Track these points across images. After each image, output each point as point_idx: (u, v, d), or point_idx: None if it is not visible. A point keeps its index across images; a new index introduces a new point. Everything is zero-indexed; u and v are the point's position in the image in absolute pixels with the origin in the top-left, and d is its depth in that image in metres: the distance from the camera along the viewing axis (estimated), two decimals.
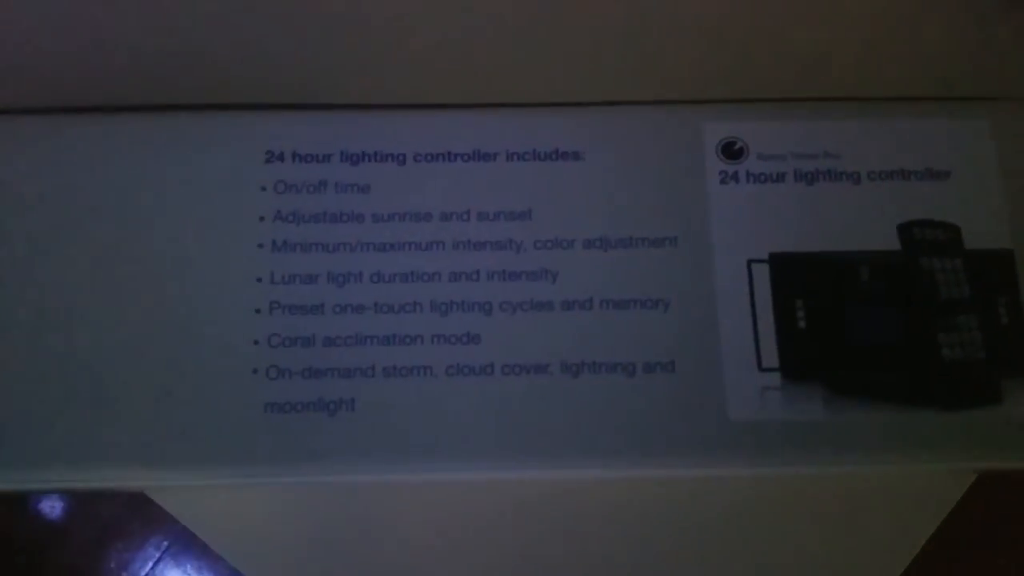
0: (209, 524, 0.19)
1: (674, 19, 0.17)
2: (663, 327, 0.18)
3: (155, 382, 0.17)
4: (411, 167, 0.19)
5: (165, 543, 0.51)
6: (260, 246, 0.18)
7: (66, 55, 0.18)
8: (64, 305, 0.18)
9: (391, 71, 0.18)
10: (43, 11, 0.17)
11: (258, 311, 0.18)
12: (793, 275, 0.18)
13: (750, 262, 0.18)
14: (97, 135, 0.18)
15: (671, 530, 0.20)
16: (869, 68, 0.19)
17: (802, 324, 0.18)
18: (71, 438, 0.17)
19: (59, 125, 0.18)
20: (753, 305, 0.18)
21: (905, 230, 0.18)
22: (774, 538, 0.20)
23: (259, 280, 0.18)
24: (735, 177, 0.19)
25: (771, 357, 0.18)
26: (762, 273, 0.18)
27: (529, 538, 0.20)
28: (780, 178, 0.19)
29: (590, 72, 0.18)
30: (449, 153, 0.19)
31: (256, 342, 0.18)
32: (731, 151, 0.19)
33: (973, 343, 0.18)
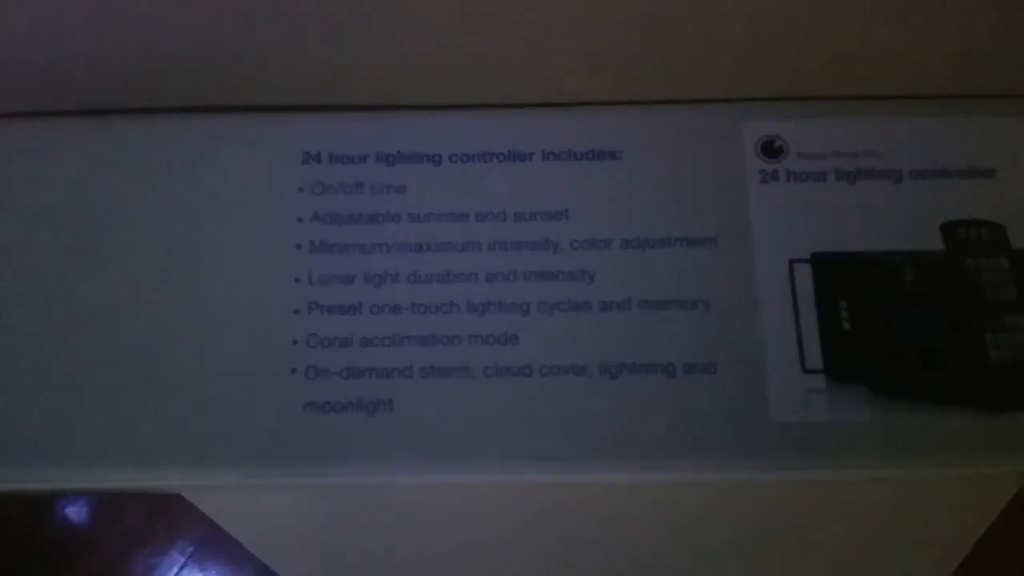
0: (245, 524, 0.19)
1: (712, 16, 0.17)
2: (703, 328, 0.18)
3: (194, 382, 0.17)
4: (447, 167, 0.19)
5: (190, 548, 0.51)
6: (298, 247, 0.18)
7: (103, 58, 0.18)
8: (104, 306, 0.18)
9: (427, 71, 0.18)
10: (79, 15, 0.17)
11: (297, 311, 0.18)
12: (837, 275, 0.18)
13: (792, 262, 0.18)
14: (135, 137, 0.19)
15: (711, 535, 0.19)
16: (910, 65, 0.19)
17: (846, 325, 0.18)
18: (109, 438, 0.17)
19: (98, 127, 0.19)
20: (796, 305, 0.18)
21: (949, 229, 0.18)
22: (817, 543, 0.20)
23: (297, 281, 0.18)
24: (775, 176, 0.18)
25: (815, 358, 0.18)
26: (804, 273, 0.18)
27: (567, 541, 0.19)
28: (821, 177, 0.19)
29: (626, 70, 0.18)
30: (485, 153, 0.19)
31: (295, 342, 0.17)
32: (771, 149, 0.19)
33: (1022, 344, 0.18)
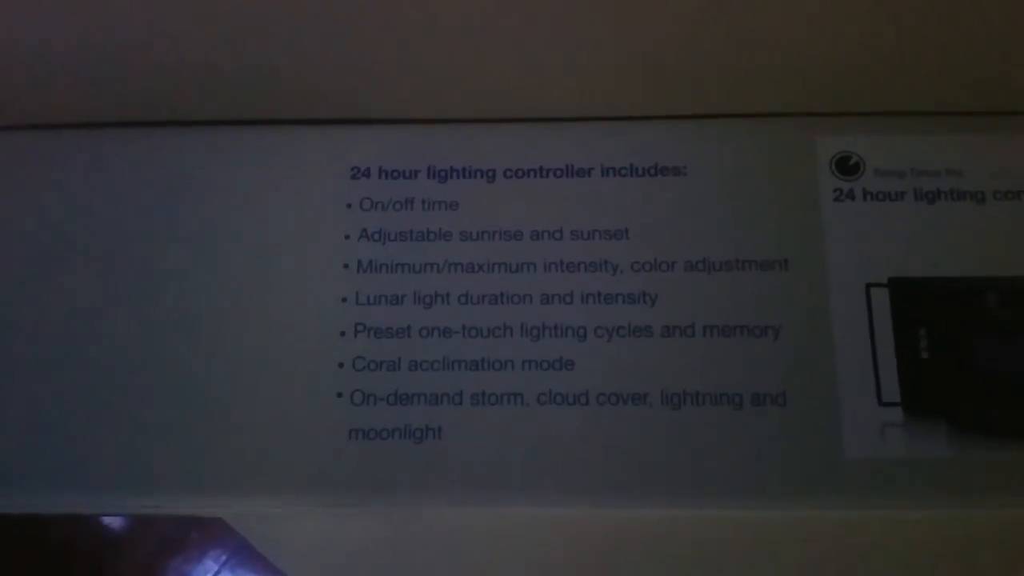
0: (284, 550, 0.19)
1: (783, 26, 0.16)
2: (773, 356, 0.17)
3: (237, 405, 0.17)
4: (501, 183, 0.18)
5: (224, 557, 0.51)
6: (346, 266, 0.17)
7: (148, 68, 0.17)
8: (145, 326, 0.17)
9: (480, 84, 0.17)
10: (122, 24, 0.16)
11: (343, 333, 0.17)
12: (915, 302, 0.17)
13: (868, 286, 0.17)
14: (182, 150, 0.18)
15: (781, 573, 0.18)
16: (993, 79, 0.18)
17: (925, 355, 0.17)
18: (150, 461, 0.16)
19: (142, 140, 0.18)
20: (872, 333, 0.17)
21: None
22: None
23: (344, 301, 0.17)
24: (850, 195, 0.17)
25: (892, 390, 0.16)
26: (881, 298, 0.17)
27: None
28: (899, 196, 0.17)
29: (692, 82, 0.17)
30: (541, 168, 0.18)
31: (341, 365, 0.17)
32: (846, 167, 0.18)
33: None
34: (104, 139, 0.18)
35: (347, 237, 0.17)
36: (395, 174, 0.18)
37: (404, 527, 0.18)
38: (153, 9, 0.16)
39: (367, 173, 0.18)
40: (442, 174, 0.18)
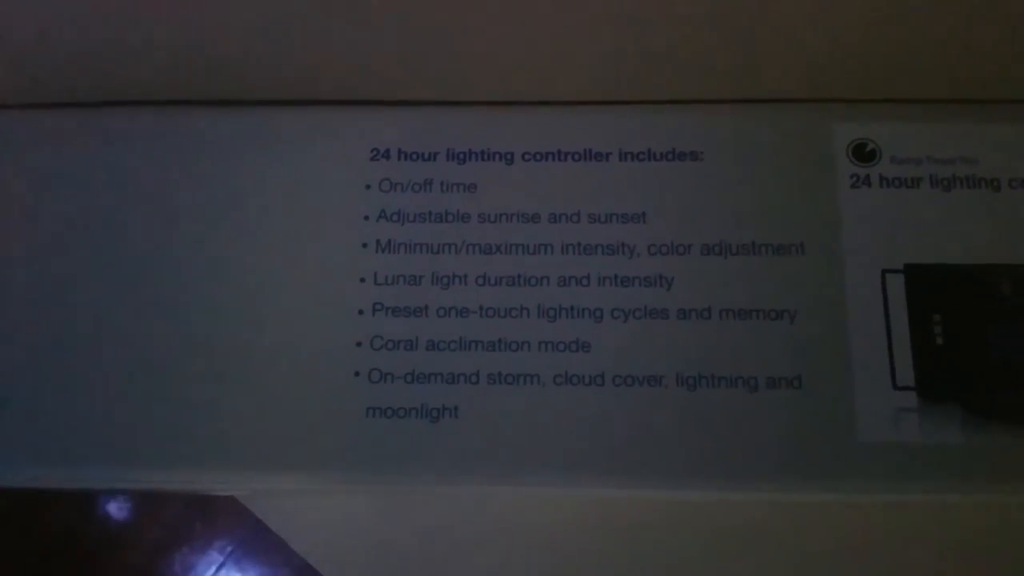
0: (297, 528, 0.19)
1: (800, 12, 0.16)
2: (788, 340, 0.17)
3: (254, 382, 0.17)
4: (519, 166, 0.18)
5: (229, 547, 0.51)
6: (364, 246, 0.17)
7: (167, 48, 0.17)
8: (163, 303, 0.17)
9: (499, 66, 0.18)
10: (149, 5, 0.16)
11: (361, 312, 0.17)
12: (930, 288, 0.17)
13: (884, 272, 0.17)
14: (199, 130, 0.18)
15: (794, 557, 0.18)
16: (1010, 67, 0.18)
17: (940, 340, 0.17)
18: (164, 438, 0.17)
19: (160, 119, 0.18)
20: (887, 318, 0.17)
21: None
22: (905, 568, 0.19)
23: (362, 280, 0.17)
24: (867, 181, 0.17)
25: (906, 375, 0.17)
26: (897, 284, 0.17)
27: (636, 557, 0.18)
28: (915, 183, 0.17)
29: (710, 67, 0.17)
30: (559, 152, 0.18)
31: (359, 344, 0.17)
32: (862, 153, 0.18)
33: None
34: (112, 118, 0.18)
35: (366, 218, 0.18)
36: (414, 156, 0.18)
37: (420, 505, 0.18)
38: None
39: (387, 154, 0.18)
40: (461, 156, 0.18)
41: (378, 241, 0.17)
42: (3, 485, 0.17)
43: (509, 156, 0.18)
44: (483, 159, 0.18)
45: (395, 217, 0.18)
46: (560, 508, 0.18)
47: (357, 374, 0.17)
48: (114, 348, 0.17)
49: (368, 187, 0.18)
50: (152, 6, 0.17)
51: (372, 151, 0.18)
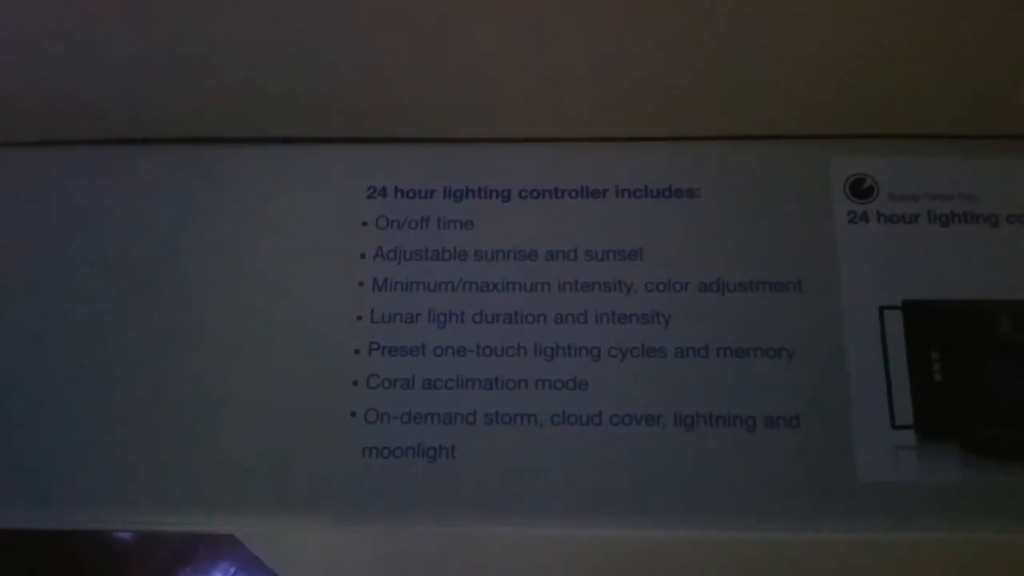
0: (296, 568, 0.19)
1: (797, 48, 0.16)
2: (786, 378, 0.17)
3: (250, 422, 0.17)
4: (516, 203, 0.18)
5: (232, 569, 0.51)
6: (361, 283, 0.17)
7: (173, 87, 0.17)
8: (158, 344, 0.17)
9: (496, 104, 0.18)
10: (144, 41, 0.16)
11: (358, 351, 0.17)
12: (929, 325, 0.17)
13: (882, 309, 0.17)
14: (197, 167, 0.18)
15: None
16: (1007, 103, 0.18)
17: (938, 377, 0.17)
18: (160, 478, 0.16)
19: (160, 156, 0.18)
20: (886, 356, 0.17)
21: None
22: None
23: (359, 319, 0.17)
24: (864, 217, 0.17)
25: (905, 413, 0.16)
26: (895, 321, 0.17)
27: None
28: (913, 219, 0.17)
29: (706, 104, 0.17)
30: (556, 189, 0.18)
31: (355, 383, 0.17)
32: (860, 189, 0.18)
33: None
34: (118, 156, 0.18)
35: (363, 255, 0.18)
36: (411, 193, 0.18)
37: (417, 546, 0.18)
38: (170, 30, 0.16)
39: (383, 192, 0.18)
40: (458, 193, 0.18)
41: (375, 279, 0.17)
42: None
43: (506, 193, 0.18)
44: (480, 196, 0.18)
45: (392, 255, 0.18)
46: (559, 549, 0.18)
47: (353, 413, 0.17)
48: (105, 387, 0.17)
49: (365, 224, 0.18)
50: (145, 48, 0.17)
51: (369, 188, 0.18)
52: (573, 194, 0.18)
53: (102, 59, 0.17)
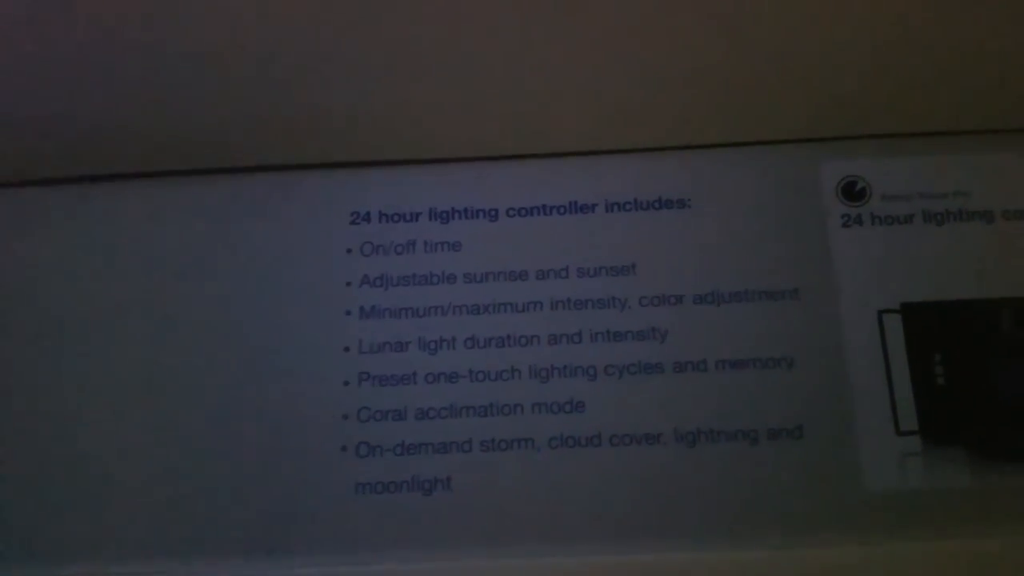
0: None
1: (783, 51, 0.16)
2: (787, 389, 0.16)
3: (236, 461, 0.16)
4: (504, 222, 0.17)
5: None
6: (348, 313, 0.17)
7: (152, 118, 0.17)
8: (134, 378, 0.17)
9: (479, 122, 0.17)
10: (123, 73, 0.16)
11: (346, 383, 0.16)
12: (929, 326, 0.17)
13: (881, 313, 0.17)
14: (178, 198, 0.18)
15: None
16: (996, 97, 0.18)
17: (941, 381, 0.16)
18: (143, 522, 0.16)
19: (141, 189, 0.18)
20: (887, 360, 0.16)
21: None
22: None
23: (347, 350, 0.17)
24: (858, 220, 0.17)
25: (909, 419, 0.16)
26: (895, 324, 0.17)
27: None
28: (907, 220, 0.17)
29: (693, 113, 0.17)
30: (544, 206, 0.17)
31: (345, 416, 0.16)
32: (852, 192, 0.17)
33: None
34: (94, 190, 0.18)
35: (348, 284, 0.17)
36: (396, 217, 0.17)
37: None
38: (143, 59, 0.16)
39: (367, 217, 0.17)
40: (444, 215, 0.17)
41: (362, 307, 0.17)
42: None
43: (493, 213, 0.17)
44: (466, 216, 0.17)
45: (378, 282, 0.17)
46: None
47: (344, 448, 0.16)
48: (93, 426, 0.16)
49: (349, 251, 0.17)
50: (119, 80, 0.16)
51: (352, 214, 0.17)
52: (562, 210, 0.17)
53: (76, 93, 0.16)
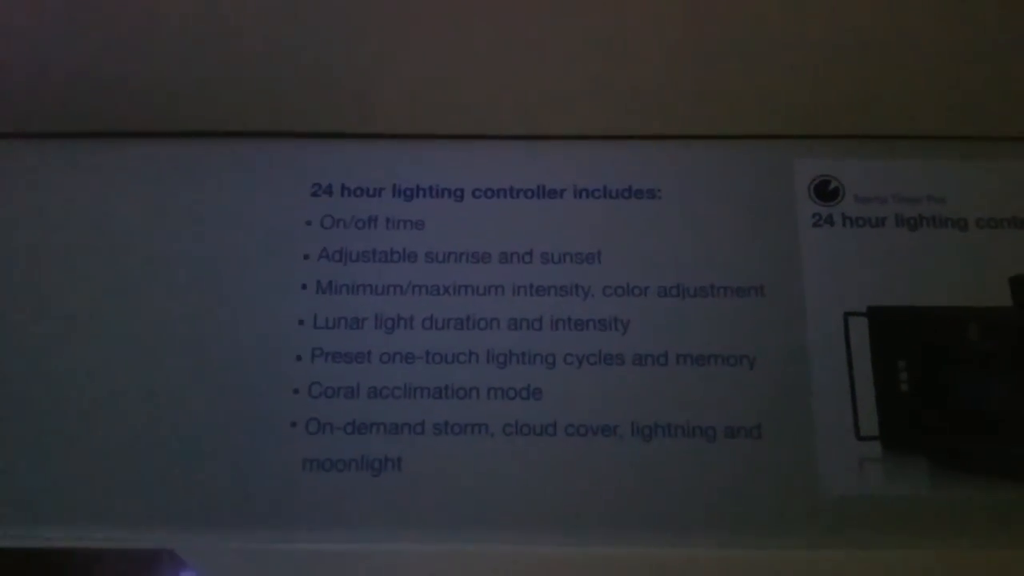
0: None
1: (761, 46, 0.16)
2: (748, 387, 0.16)
3: (184, 433, 0.16)
4: (469, 203, 0.17)
5: None
6: (304, 286, 0.16)
7: (107, 77, 0.16)
8: (91, 350, 0.16)
9: (449, 100, 0.17)
10: (85, 32, 0.15)
11: (299, 358, 0.16)
12: (895, 331, 0.16)
13: (847, 315, 0.16)
14: (131, 161, 0.17)
15: None
16: (978, 104, 0.17)
17: (904, 387, 0.16)
18: (95, 492, 0.16)
19: (92, 148, 0.17)
20: (851, 364, 0.16)
21: (1018, 284, 0.17)
22: None
23: (301, 323, 0.16)
24: (829, 220, 0.17)
25: (870, 424, 0.16)
26: (860, 328, 0.16)
27: None
28: (879, 223, 0.17)
29: (667, 103, 0.17)
30: (511, 189, 0.17)
31: (296, 391, 0.16)
32: (825, 191, 0.17)
33: None
34: (50, 148, 0.17)
35: (306, 256, 0.17)
36: (358, 191, 0.17)
37: (360, 564, 0.17)
38: (115, 24, 0.15)
39: (328, 190, 0.17)
40: (408, 192, 0.17)
41: (318, 281, 0.17)
42: None
43: (458, 192, 0.17)
44: (431, 195, 0.17)
45: (337, 256, 0.17)
46: (510, 566, 0.17)
47: (294, 424, 0.16)
48: (37, 399, 0.16)
49: (309, 223, 0.17)
50: (93, 38, 0.16)
51: (313, 186, 0.17)
52: (529, 194, 0.17)
53: (53, 52, 0.16)
